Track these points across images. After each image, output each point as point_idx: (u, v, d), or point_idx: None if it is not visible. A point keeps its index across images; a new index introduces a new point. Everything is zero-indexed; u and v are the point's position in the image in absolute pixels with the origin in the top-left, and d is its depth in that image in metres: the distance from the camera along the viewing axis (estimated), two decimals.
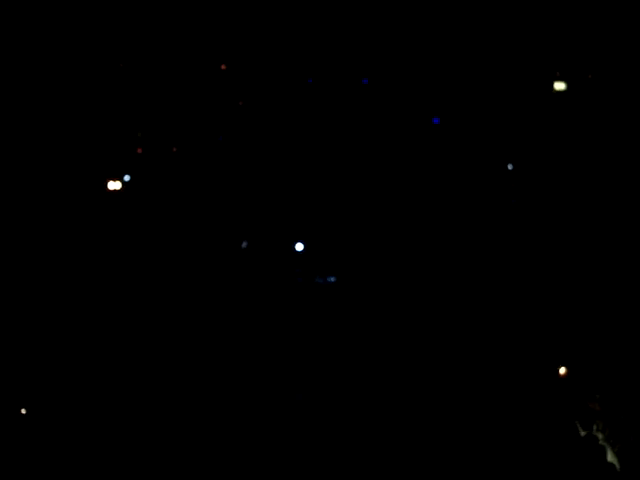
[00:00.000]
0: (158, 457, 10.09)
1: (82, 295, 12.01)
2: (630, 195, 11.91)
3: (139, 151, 13.14)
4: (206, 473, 10.10)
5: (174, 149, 13.14)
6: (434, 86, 12.97)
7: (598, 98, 12.34)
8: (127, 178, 12.99)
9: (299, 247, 12.98)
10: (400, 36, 12.96)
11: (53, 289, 11.97)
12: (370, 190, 13.00)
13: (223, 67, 13.21)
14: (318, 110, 13.30)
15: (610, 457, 9.22)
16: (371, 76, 13.20)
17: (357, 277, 12.58)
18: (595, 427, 9.79)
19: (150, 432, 10.31)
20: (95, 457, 10.05)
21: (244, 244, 12.54)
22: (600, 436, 9.65)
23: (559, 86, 12.45)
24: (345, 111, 13.23)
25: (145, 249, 12.67)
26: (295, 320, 11.93)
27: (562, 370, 11.01)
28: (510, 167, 12.59)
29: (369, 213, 12.89)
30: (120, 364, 11.02)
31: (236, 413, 10.66)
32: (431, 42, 12.89)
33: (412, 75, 12.99)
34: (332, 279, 12.76)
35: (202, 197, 13.04)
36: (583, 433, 9.75)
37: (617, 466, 9.17)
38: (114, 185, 12.88)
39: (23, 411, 9.91)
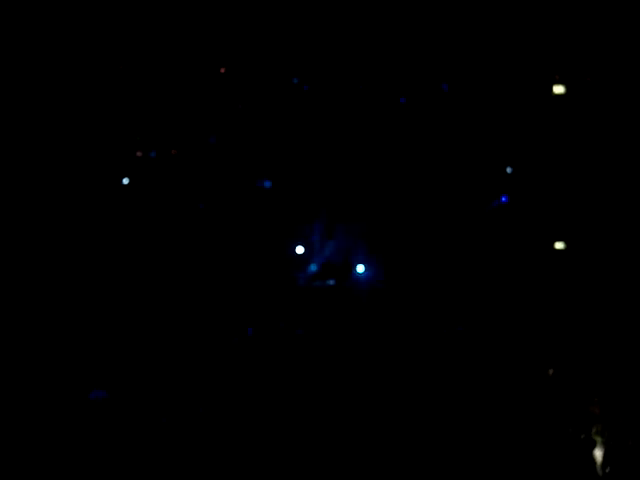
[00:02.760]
0: (158, 457, 10.07)
1: (82, 296, 11.99)
2: (629, 197, 11.92)
3: (138, 154, 13.14)
4: (206, 473, 10.09)
5: (173, 152, 13.13)
6: (434, 89, 12.98)
7: (597, 101, 12.34)
8: (126, 181, 12.99)
9: (299, 250, 13.00)
10: (399, 38, 12.97)
11: (53, 289, 11.96)
12: (371, 193, 13.00)
13: (222, 70, 13.22)
14: (318, 113, 13.30)
15: (609, 460, 9.23)
16: (372, 77, 13.21)
17: (356, 280, 12.59)
18: (594, 430, 9.80)
19: (150, 432, 10.29)
20: (95, 457, 10.04)
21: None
22: (599, 439, 9.66)
23: (558, 89, 12.46)
24: (345, 114, 13.24)
25: (145, 252, 12.67)
26: (295, 321, 11.94)
27: (561, 374, 11.01)
28: (509, 170, 12.60)
29: (369, 216, 12.90)
30: (120, 364, 11.00)
31: (236, 414, 10.65)
32: (431, 44, 12.91)
33: (411, 77, 13.00)
34: (331, 282, 12.77)
35: (202, 200, 13.03)
36: (582, 436, 9.75)
37: (616, 469, 9.18)
38: (113, 188, 12.89)
39: (23, 411, 9.91)
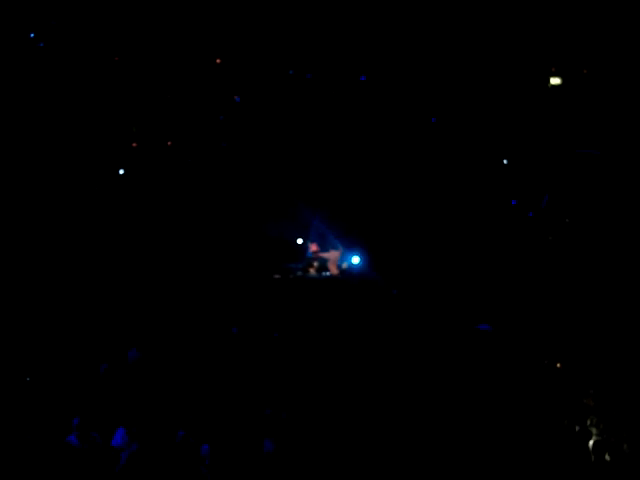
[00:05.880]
0: (159, 456, 10.06)
1: (80, 290, 11.99)
2: (629, 192, 11.92)
3: (134, 145, 13.17)
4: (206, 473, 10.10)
5: (169, 143, 13.15)
6: (432, 83, 13.01)
7: (593, 93, 12.36)
8: (122, 172, 13.01)
9: (299, 241, 13.07)
10: (400, 34, 12.99)
11: (51, 284, 11.97)
12: (369, 187, 13.03)
13: (218, 61, 13.22)
14: (317, 107, 13.31)
15: (604, 451, 9.24)
16: (371, 74, 13.22)
17: (353, 273, 12.63)
18: (589, 422, 9.80)
19: (151, 431, 10.29)
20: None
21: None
22: (594, 431, 9.65)
23: (555, 81, 12.50)
24: (345, 109, 13.25)
25: (142, 244, 12.67)
26: (293, 310, 11.94)
27: (557, 365, 11.02)
28: (505, 162, 12.63)
29: (367, 210, 12.94)
30: (122, 360, 10.99)
31: (237, 405, 10.66)
32: (430, 40, 12.93)
33: (412, 72, 13.03)
34: (327, 274, 12.83)
35: (198, 191, 13.05)
36: (577, 428, 9.75)
37: (610, 460, 9.19)
38: (109, 178, 12.92)
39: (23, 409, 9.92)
